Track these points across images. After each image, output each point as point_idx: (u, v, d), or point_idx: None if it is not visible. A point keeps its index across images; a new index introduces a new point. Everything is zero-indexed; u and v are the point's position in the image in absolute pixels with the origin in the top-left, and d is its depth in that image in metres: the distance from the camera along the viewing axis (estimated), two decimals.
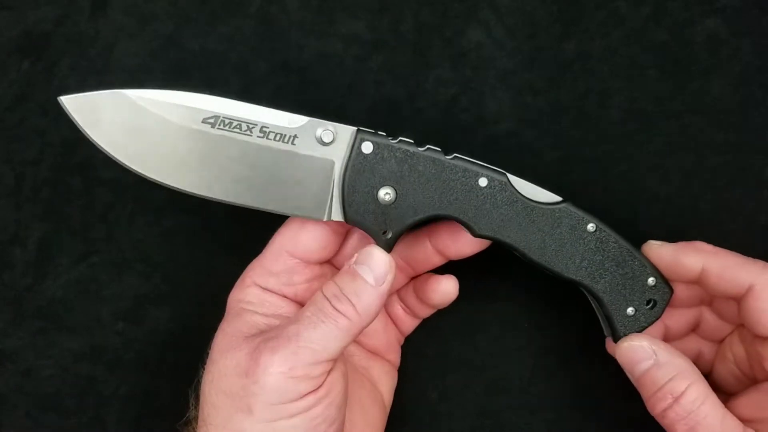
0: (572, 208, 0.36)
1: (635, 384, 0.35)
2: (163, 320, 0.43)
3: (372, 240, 0.35)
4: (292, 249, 0.36)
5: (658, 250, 0.37)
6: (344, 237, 0.38)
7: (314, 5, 0.43)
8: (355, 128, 0.35)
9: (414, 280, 0.40)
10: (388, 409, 0.41)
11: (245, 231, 0.43)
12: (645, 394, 0.35)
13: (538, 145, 0.42)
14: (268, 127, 0.34)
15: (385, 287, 0.33)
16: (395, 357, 0.42)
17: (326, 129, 0.34)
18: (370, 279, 0.33)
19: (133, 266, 0.43)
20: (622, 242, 0.36)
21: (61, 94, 0.43)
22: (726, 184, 0.41)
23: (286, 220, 0.37)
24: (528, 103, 0.42)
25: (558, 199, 0.36)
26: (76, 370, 0.43)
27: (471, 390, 0.42)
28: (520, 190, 0.36)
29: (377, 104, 0.43)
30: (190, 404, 0.37)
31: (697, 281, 0.36)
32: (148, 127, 0.33)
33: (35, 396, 0.43)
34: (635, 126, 0.42)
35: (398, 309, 0.41)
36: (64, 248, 0.43)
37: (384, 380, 0.41)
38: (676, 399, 0.33)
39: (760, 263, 0.35)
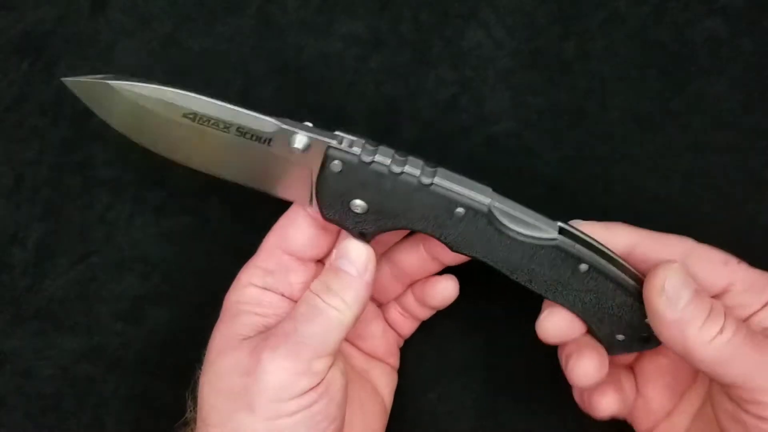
0: (565, 247, 0.33)
1: (669, 327, 0.32)
2: (163, 320, 0.43)
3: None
4: (285, 245, 0.36)
5: (583, 228, 0.35)
6: (336, 236, 0.38)
7: (314, 5, 0.43)
8: (329, 142, 0.33)
9: (413, 285, 0.40)
10: (388, 411, 0.41)
11: (245, 231, 0.43)
12: (693, 327, 0.32)
13: (538, 145, 0.42)
14: (243, 129, 0.34)
15: (368, 276, 0.34)
16: (395, 360, 0.42)
17: (300, 136, 0.33)
18: (353, 271, 0.34)
19: (133, 266, 0.43)
20: (621, 279, 0.34)
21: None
22: (726, 184, 0.41)
23: (279, 219, 0.37)
24: (528, 103, 0.42)
25: (551, 235, 0.33)
26: (76, 370, 0.43)
27: (471, 390, 0.42)
28: (505, 222, 0.33)
29: (377, 104, 0.43)
30: (188, 406, 0.37)
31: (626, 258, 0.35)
32: (137, 113, 0.35)
33: (34, 396, 0.43)
34: (635, 126, 0.42)
35: (396, 314, 0.41)
36: (63, 248, 0.43)
37: (384, 382, 0.41)
38: (727, 317, 0.32)
39: (681, 237, 0.35)
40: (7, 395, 0.43)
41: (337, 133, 0.33)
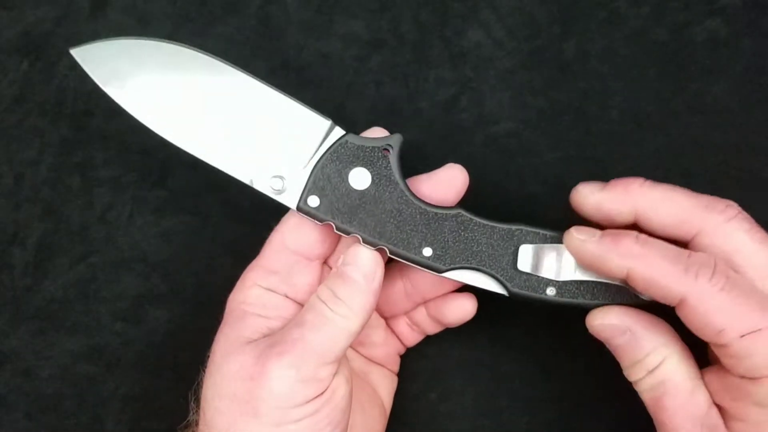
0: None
1: (612, 352, 0.34)
2: (163, 320, 0.43)
3: None
4: (291, 244, 0.36)
5: (580, 245, 0.33)
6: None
7: (314, 5, 0.43)
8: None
9: (427, 303, 0.40)
10: (387, 414, 0.40)
11: (245, 231, 0.43)
12: (622, 363, 0.34)
13: (538, 145, 0.42)
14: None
15: (375, 284, 0.34)
16: (394, 365, 0.42)
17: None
18: (360, 278, 0.34)
19: (132, 266, 0.43)
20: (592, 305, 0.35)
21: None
22: (726, 184, 0.41)
23: (284, 217, 0.37)
24: (528, 103, 0.42)
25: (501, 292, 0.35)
26: (76, 370, 0.43)
27: (471, 390, 0.42)
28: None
29: (377, 104, 0.43)
30: (191, 407, 0.36)
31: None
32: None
33: (34, 396, 0.43)
34: (635, 126, 0.42)
35: (404, 325, 0.41)
36: (63, 248, 0.43)
37: (383, 385, 0.41)
38: (650, 372, 0.33)
39: (694, 266, 0.31)
40: (7, 395, 0.43)
41: (298, 204, 0.35)
